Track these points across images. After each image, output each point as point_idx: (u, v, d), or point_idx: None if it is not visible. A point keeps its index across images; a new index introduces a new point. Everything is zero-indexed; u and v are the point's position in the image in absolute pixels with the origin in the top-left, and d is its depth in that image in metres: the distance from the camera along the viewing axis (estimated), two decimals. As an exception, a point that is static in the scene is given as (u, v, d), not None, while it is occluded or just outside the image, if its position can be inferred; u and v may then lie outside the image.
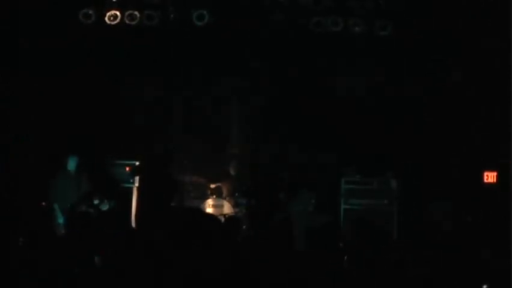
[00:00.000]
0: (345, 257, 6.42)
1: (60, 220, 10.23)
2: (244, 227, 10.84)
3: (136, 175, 11.58)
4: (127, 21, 12.21)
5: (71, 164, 11.05)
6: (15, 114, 11.93)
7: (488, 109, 11.31)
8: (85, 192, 11.05)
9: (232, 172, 12.66)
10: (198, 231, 5.61)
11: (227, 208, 12.19)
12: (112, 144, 12.35)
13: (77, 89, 12.21)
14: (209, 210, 12.13)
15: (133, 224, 10.73)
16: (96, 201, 10.71)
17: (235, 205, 12.27)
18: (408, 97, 12.31)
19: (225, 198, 12.42)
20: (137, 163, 11.71)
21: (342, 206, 12.16)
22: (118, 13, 12.22)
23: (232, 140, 13.18)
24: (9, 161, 11.73)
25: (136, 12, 12.21)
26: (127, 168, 12.05)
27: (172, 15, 12.22)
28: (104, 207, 10.73)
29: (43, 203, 10.87)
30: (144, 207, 10.91)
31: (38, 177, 11.37)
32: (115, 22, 12.24)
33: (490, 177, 11.32)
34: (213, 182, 12.64)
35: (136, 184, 11.83)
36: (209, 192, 12.58)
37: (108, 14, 12.24)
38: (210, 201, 12.37)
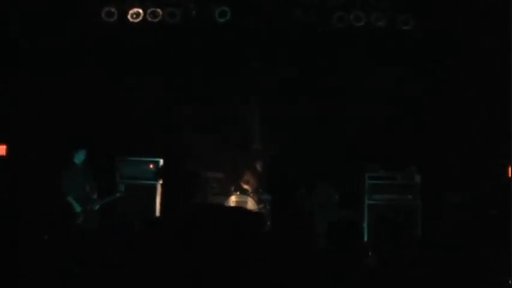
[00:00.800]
0: (369, 254, 6.40)
1: (78, 209, 10.89)
2: (268, 223, 10.89)
3: (161, 175, 11.87)
4: (149, 19, 12.27)
5: (79, 157, 11.26)
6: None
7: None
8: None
9: (257, 168, 12.61)
10: (221, 226, 5.69)
11: (251, 204, 12.14)
12: (129, 142, 12.39)
13: (85, 89, 12.30)
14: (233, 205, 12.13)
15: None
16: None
17: (259, 201, 12.22)
18: (430, 90, 12.35)
19: (248, 195, 12.34)
20: (161, 161, 11.93)
21: (366, 202, 12.14)
22: (140, 11, 12.24)
23: (256, 136, 13.07)
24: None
25: (159, 10, 12.23)
26: (151, 166, 12.15)
27: (193, 12, 12.24)
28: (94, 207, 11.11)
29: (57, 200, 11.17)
30: (169, 203, 11.25)
31: (43, 174, 11.55)
32: (137, 20, 12.27)
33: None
34: (237, 179, 12.60)
35: (160, 181, 12.06)
36: (233, 188, 12.52)
37: (131, 11, 12.25)
38: (233, 198, 12.30)
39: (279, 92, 12.62)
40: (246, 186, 12.50)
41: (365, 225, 11.77)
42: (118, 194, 11.51)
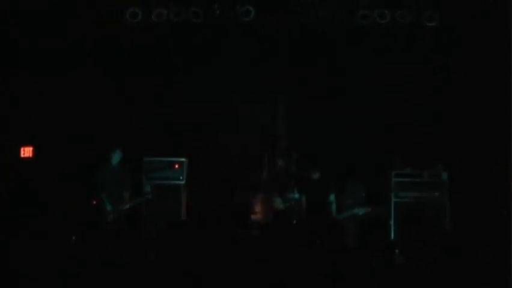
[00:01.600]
0: (396, 251, 6.43)
1: (109, 208, 11.10)
2: (294, 221, 10.50)
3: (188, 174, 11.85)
4: (173, 19, 12.34)
5: (116, 158, 11.48)
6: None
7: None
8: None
9: (284, 166, 12.53)
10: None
11: (278, 203, 11.99)
12: (155, 142, 12.50)
13: (111, 88, 12.49)
14: (259, 205, 12.13)
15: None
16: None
17: (286, 200, 12.01)
18: (457, 87, 12.33)
19: (276, 194, 12.16)
20: (185, 161, 11.93)
21: (393, 200, 11.99)
22: (164, 11, 12.30)
23: (282, 134, 13.21)
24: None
25: (182, 10, 12.30)
26: (176, 166, 12.11)
27: (217, 12, 12.26)
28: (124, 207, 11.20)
29: (94, 202, 11.44)
30: (194, 204, 11.26)
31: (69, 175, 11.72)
32: (162, 20, 12.33)
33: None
34: (263, 177, 12.58)
35: (184, 181, 12.03)
36: (259, 187, 12.47)
37: (155, 12, 12.31)
38: (260, 197, 12.22)
39: (305, 90, 12.70)
40: (272, 185, 12.34)
41: (391, 222, 11.70)
42: (148, 196, 11.64)
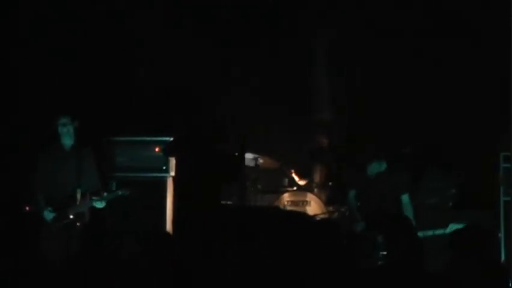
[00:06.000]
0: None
1: (49, 216, 8.65)
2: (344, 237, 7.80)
3: (172, 155, 9.32)
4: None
5: (65, 135, 8.99)
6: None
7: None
8: None
9: (325, 149, 10.92)
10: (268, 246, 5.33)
11: (316, 206, 10.15)
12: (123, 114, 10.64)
13: None
14: (288, 209, 10.25)
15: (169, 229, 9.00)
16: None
17: (328, 202, 10.34)
18: None
19: (312, 192, 10.47)
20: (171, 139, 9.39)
21: (502, 198, 9.49)
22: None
23: (322, 106, 11.38)
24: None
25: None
26: (157, 149, 9.77)
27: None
28: (100, 204, 8.72)
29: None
30: (184, 205, 8.56)
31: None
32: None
33: None
34: (293, 168, 10.70)
35: (172, 173, 9.65)
36: (287, 182, 10.67)
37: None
38: (287, 196, 10.29)
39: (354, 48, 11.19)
40: (305, 179, 10.71)
41: (502, 234, 9.41)
42: (116, 192, 8.94)
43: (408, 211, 8.89)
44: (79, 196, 8.80)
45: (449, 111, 10.89)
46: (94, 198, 8.79)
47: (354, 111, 11.25)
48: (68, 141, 8.79)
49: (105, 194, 8.83)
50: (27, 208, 9.01)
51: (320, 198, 10.42)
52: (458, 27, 11.24)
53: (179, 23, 11.05)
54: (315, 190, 10.64)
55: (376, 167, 9.08)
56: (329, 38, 11.75)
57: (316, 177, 10.99)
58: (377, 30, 11.34)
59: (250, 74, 11.28)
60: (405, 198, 8.95)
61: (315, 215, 9.76)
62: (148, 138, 9.99)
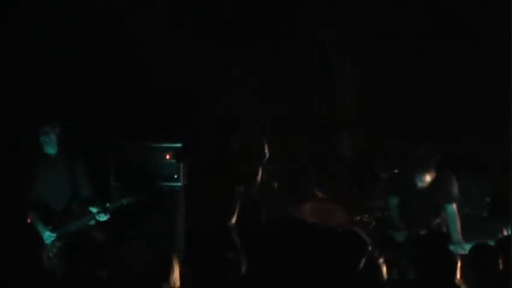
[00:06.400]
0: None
1: (45, 233, 8.41)
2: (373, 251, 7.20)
3: (183, 160, 9.10)
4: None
5: (49, 142, 8.61)
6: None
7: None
8: None
9: (345, 152, 10.00)
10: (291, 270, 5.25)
11: (341, 217, 9.45)
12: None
13: None
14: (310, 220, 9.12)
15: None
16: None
17: (356, 211, 9.59)
18: None
19: (337, 200, 9.65)
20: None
21: None
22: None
23: (345, 102, 11.09)
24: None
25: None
26: (168, 156, 9.42)
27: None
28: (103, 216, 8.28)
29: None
30: (197, 217, 8.24)
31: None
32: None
33: None
34: (317, 172, 9.94)
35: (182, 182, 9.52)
36: (309, 190, 9.83)
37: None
38: (310, 206, 9.54)
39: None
40: (332, 185, 9.86)
41: None
42: (122, 201, 8.46)
43: (453, 222, 8.54)
44: (76, 209, 8.43)
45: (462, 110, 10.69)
46: (94, 210, 8.28)
47: (373, 113, 10.94)
48: (51, 150, 8.38)
49: (108, 204, 8.21)
50: (28, 221, 8.54)
51: (345, 207, 9.71)
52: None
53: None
54: (341, 199, 9.86)
55: (425, 176, 8.70)
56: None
57: (340, 185, 10.12)
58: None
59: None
60: (450, 209, 8.62)
61: (339, 226, 8.90)
62: (159, 144, 9.66)
